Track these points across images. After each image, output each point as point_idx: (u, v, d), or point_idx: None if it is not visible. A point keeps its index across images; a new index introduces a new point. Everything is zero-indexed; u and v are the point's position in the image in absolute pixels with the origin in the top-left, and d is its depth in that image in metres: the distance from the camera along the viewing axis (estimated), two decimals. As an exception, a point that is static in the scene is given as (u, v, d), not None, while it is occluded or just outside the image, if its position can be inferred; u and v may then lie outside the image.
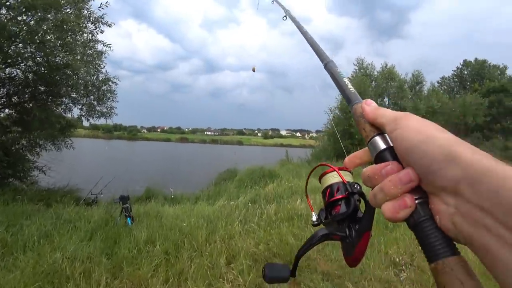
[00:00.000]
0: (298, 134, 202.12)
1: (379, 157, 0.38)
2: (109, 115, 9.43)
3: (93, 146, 55.11)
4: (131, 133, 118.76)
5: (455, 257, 0.31)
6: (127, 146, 64.98)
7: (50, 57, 7.31)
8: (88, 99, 9.22)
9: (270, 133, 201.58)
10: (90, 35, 8.47)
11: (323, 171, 0.58)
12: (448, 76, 35.10)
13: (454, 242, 0.32)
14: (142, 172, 18.71)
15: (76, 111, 9.68)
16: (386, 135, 0.38)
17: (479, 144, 23.47)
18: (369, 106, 0.42)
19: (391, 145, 0.37)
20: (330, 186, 0.55)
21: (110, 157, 32.80)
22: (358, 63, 22.24)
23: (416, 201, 0.33)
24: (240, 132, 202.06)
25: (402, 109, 20.53)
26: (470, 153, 0.29)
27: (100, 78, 8.96)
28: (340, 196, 0.53)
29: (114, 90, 9.39)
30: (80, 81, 8.14)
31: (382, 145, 0.38)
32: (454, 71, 34.80)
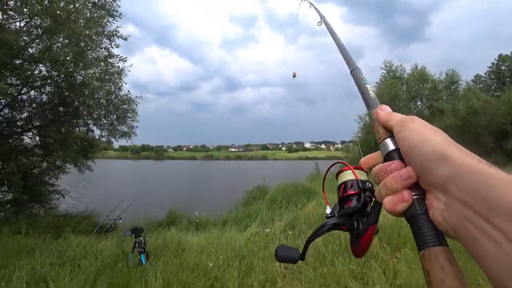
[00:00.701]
0: (323, 146, 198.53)
1: (387, 157, 0.42)
2: (129, 136, 8.92)
3: (121, 166, 56.52)
4: (158, 153, 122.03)
5: (441, 247, 0.33)
6: (153, 165, 66.03)
7: (70, 77, 6.97)
8: (109, 118, 8.79)
9: (294, 146, 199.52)
10: (106, 52, 8.06)
11: (341, 169, 0.60)
12: (484, 74, 32.42)
13: (445, 236, 0.34)
14: (166, 192, 18.03)
15: (97, 132, 9.29)
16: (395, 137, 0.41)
17: None
18: (383, 111, 0.46)
19: (398, 146, 0.40)
20: (345, 182, 0.57)
21: (137, 177, 32.89)
22: (386, 66, 20.72)
23: (414, 197, 0.36)
24: (264, 147, 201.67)
25: (439, 111, 18.79)
26: (457, 153, 0.32)
27: (120, 97, 8.49)
28: (353, 192, 0.55)
29: (135, 110, 8.91)
30: (100, 100, 7.71)
31: (391, 146, 0.41)
32: (490, 67, 32.15)
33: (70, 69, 6.44)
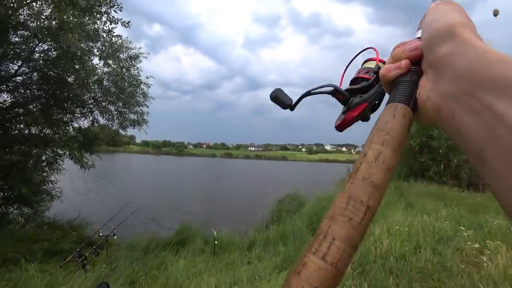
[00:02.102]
0: (344, 149, 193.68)
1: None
2: (140, 124, 7.51)
3: (141, 161, 56.48)
4: (178, 149, 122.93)
5: (405, 105, 0.33)
6: (173, 161, 65.63)
7: (61, 50, 5.52)
8: (117, 105, 7.40)
9: (314, 148, 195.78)
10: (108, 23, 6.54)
11: (369, 57, 0.61)
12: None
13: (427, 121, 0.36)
14: (182, 195, 16.52)
15: (103, 121, 7.91)
16: None
17: None
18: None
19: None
20: (363, 67, 0.59)
21: (154, 173, 31.77)
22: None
23: (411, 69, 0.36)
24: (284, 148, 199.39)
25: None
26: (467, 35, 0.30)
27: (125, 77, 7.04)
28: (365, 76, 0.56)
29: (145, 93, 7.47)
30: (102, 82, 6.28)
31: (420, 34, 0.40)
32: None
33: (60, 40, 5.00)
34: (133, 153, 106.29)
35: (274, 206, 8.64)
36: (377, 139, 0.33)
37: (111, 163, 42.43)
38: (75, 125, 7.81)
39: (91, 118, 7.81)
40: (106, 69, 6.98)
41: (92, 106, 7.51)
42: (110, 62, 6.95)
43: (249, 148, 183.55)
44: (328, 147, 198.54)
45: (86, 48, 5.42)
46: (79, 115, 7.63)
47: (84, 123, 7.91)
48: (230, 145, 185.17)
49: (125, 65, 7.37)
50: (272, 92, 0.57)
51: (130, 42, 7.82)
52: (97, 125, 7.96)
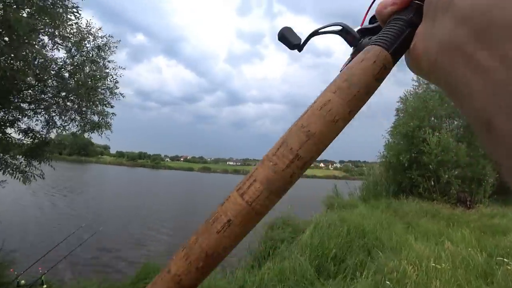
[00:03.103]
0: (322, 164, 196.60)
1: None
2: (100, 128, 6.16)
3: (114, 173, 53.22)
4: (155, 162, 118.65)
5: (384, 51, 0.30)
6: (148, 174, 62.60)
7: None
8: (74, 101, 6.03)
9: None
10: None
11: None
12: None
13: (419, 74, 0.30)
14: (154, 214, 14.41)
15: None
16: None
17: None
18: None
19: None
20: None
21: (126, 187, 29.31)
22: (417, 78, 18.29)
23: (411, 3, 0.31)
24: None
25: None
26: None
27: (89, 70, 5.74)
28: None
29: (112, 89, 6.16)
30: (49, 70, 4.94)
31: None
32: None
33: None
34: (107, 164, 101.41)
35: (264, 233, 7.04)
36: (332, 86, 0.30)
37: (76, 174, 39.20)
38: (23, 126, 6.34)
39: (43, 117, 6.39)
40: (62, 55, 5.65)
41: (46, 101, 6.11)
42: (70, 48, 5.65)
43: (227, 163, 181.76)
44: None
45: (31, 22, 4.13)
46: (29, 113, 6.19)
47: (37, 124, 6.47)
48: (208, 159, 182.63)
49: (89, 54, 6.09)
50: (280, 30, 0.52)
51: (99, 29, 6.59)
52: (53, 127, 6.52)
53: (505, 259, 4.50)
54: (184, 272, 0.29)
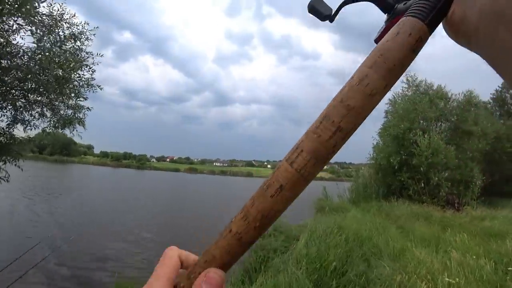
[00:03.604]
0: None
1: None
2: (71, 123, 5.54)
3: (97, 174, 51.43)
4: (140, 162, 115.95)
5: (418, 21, 0.30)
6: (133, 176, 60.77)
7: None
8: (42, 97, 5.39)
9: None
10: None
11: None
12: (487, 101, 31.48)
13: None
14: (134, 220, 13.05)
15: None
16: None
17: None
18: None
19: None
20: None
21: (107, 190, 27.86)
22: (407, 80, 18.17)
23: None
24: (249, 164, 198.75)
25: (467, 133, 16.25)
26: None
27: (59, 57, 5.13)
28: None
29: (88, 80, 5.56)
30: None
31: None
32: (493, 94, 31.45)
33: None
34: (90, 164, 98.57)
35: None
36: (368, 61, 0.31)
37: (57, 175, 37.53)
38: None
39: (9, 112, 5.70)
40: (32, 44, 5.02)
41: (11, 94, 5.44)
42: (40, 35, 5.02)
43: (214, 163, 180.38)
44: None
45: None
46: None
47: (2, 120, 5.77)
48: (195, 160, 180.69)
49: (63, 43, 5.46)
50: (309, 2, 0.50)
51: (73, 16, 5.98)
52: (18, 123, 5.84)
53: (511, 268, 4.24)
54: (243, 230, 0.34)
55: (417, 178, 14.46)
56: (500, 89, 32.37)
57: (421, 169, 14.13)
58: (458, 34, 0.28)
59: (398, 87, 19.31)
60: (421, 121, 16.11)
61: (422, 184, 14.25)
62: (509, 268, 4.10)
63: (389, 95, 19.42)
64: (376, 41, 0.46)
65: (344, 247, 4.38)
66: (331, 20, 0.51)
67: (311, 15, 0.50)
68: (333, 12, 0.50)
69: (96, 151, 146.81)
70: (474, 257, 4.72)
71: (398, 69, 0.30)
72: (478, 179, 15.06)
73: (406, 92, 18.12)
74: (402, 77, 14.86)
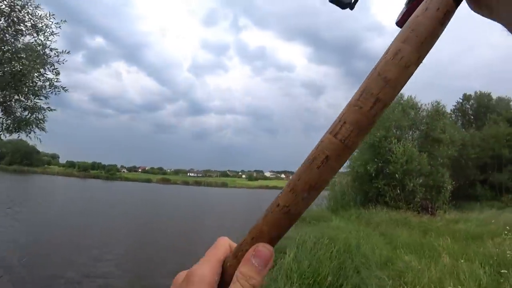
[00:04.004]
0: (283, 175, 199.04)
1: None
2: (29, 125, 4.86)
3: (59, 186, 48.05)
4: (109, 173, 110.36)
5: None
6: (100, 187, 57.40)
7: None
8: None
9: (254, 174, 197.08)
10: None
11: None
12: (450, 111, 33.58)
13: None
14: (99, 239, 11.10)
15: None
16: None
17: None
18: None
19: None
20: None
21: (67, 206, 25.22)
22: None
23: None
24: (224, 174, 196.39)
25: (436, 141, 16.94)
26: None
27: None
28: None
29: (54, 80, 4.93)
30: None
31: None
32: (455, 105, 33.55)
33: None
34: (54, 175, 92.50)
35: None
36: (401, 36, 0.33)
37: (15, 186, 34.53)
38: None
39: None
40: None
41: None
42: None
43: (188, 174, 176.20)
44: (267, 174, 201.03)
45: None
46: None
47: None
48: (168, 170, 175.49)
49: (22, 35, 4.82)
50: None
51: (37, 6, 5.35)
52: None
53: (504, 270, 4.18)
54: (292, 203, 0.35)
55: (393, 184, 14.74)
56: (461, 100, 34.82)
57: (397, 176, 14.44)
58: (480, 4, 0.29)
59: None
60: (395, 130, 16.60)
61: (398, 191, 14.54)
62: (502, 271, 4.01)
63: (333, 115, 19.97)
64: (398, 23, 0.46)
65: (337, 259, 4.09)
66: (352, 8, 0.51)
67: (332, 4, 0.50)
68: (353, 0, 0.51)
69: (62, 160, 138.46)
70: (462, 261, 4.62)
71: (429, 41, 0.32)
72: (449, 184, 15.68)
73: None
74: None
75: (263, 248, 0.34)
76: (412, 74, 0.33)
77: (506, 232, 7.68)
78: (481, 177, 22.53)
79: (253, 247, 0.35)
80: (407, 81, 0.34)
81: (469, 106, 33.04)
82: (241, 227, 9.63)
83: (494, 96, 30.26)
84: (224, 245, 0.38)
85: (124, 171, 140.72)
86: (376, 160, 15.46)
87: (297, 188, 0.35)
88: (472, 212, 14.05)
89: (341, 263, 4.10)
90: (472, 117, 31.97)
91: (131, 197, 38.09)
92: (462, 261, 4.37)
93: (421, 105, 18.74)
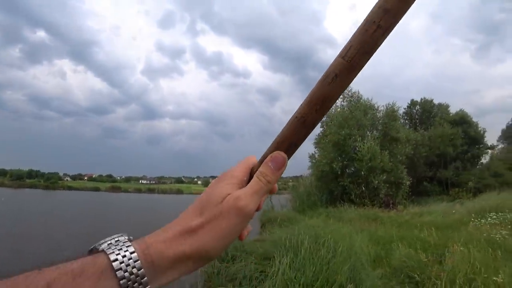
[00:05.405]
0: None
1: None
2: None
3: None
4: (49, 181, 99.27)
5: None
6: (37, 198, 50.85)
7: None
8: None
9: (210, 180, 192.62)
10: None
11: None
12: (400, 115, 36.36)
13: None
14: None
15: None
16: None
17: (458, 175, 23.01)
18: None
19: None
20: None
21: None
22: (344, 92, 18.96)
23: None
24: (179, 180, 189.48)
25: (394, 139, 17.66)
26: None
27: None
28: None
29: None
30: None
31: None
32: (405, 109, 36.33)
33: None
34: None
35: (214, 272, 4.51)
36: None
37: None
38: None
39: None
40: None
41: None
42: None
43: (140, 181, 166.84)
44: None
45: None
46: None
47: None
48: (118, 178, 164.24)
49: None
50: None
51: None
52: None
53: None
54: (307, 114, 0.43)
55: (358, 182, 14.87)
56: (409, 105, 37.83)
57: (362, 173, 14.57)
58: None
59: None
60: (357, 129, 16.91)
61: (363, 188, 14.67)
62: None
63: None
64: None
65: (340, 263, 3.44)
66: None
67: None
68: None
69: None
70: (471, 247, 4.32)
71: None
72: (407, 180, 16.33)
73: (342, 103, 19.01)
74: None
75: (278, 155, 0.45)
76: (412, 3, 0.38)
77: (472, 219, 7.89)
78: (430, 174, 24.15)
79: (271, 154, 0.45)
80: (407, 10, 0.38)
81: (415, 111, 36.15)
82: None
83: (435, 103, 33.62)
84: (251, 158, 0.49)
85: (67, 179, 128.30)
86: (341, 158, 15.51)
87: (312, 102, 0.43)
88: (428, 205, 14.77)
89: (353, 264, 3.48)
90: (417, 120, 34.86)
91: (76, 206, 34.15)
92: (471, 247, 4.06)
93: (378, 106, 19.50)
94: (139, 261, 0.34)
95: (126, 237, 0.39)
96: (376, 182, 14.36)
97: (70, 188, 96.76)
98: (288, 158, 0.46)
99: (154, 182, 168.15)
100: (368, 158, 14.54)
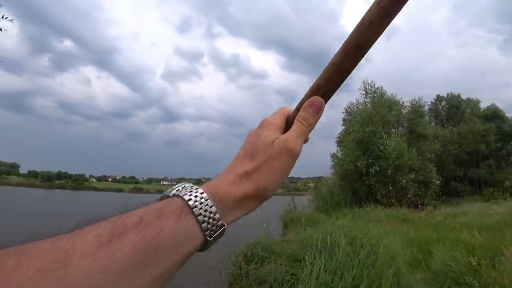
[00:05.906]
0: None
1: None
2: None
3: (16, 198, 43.60)
4: (76, 182, 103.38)
5: None
6: (65, 199, 52.95)
7: None
8: None
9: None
10: None
11: None
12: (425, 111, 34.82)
13: None
14: None
15: None
16: None
17: (492, 174, 21.60)
18: None
19: None
20: None
21: (27, 217, 23.00)
22: (365, 87, 18.24)
23: None
24: (199, 181, 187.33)
25: (421, 136, 16.81)
26: None
27: None
28: None
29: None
30: None
31: None
32: (429, 105, 34.73)
33: None
34: (14, 186, 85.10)
35: (236, 267, 4.49)
36: None
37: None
38: None
39: None
40: None
41: None
42: None
43: (162, 182, 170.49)
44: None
45: None
46: None
47: None
48: (140, 179, 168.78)
49: None
50: None
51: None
52: None
53: None
54: (342, 59, 0.44)
55: (385, 181, 14.22)
56: (435, 101, 36.11)
57: (388, 171, 13.93)
58: None
59: (355, 95, 19.62)
60: (381, 126, 16.22)
61: (390, 187, 14.02)
62: None
63: (344, 104, 19.61)
64: None
65: (390, 266, 3.12)
66: None
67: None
68: None
69: (23, 170, 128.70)
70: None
71: None
72: (436, 179, 15.45)
73: (365, 99, 18.32)
74: (360, 85, 14.52)
75: (316, 99, 0.46)
76: None
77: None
78: (460, 173, 22.88)
79: (309, 99, 0.46)
80: None
81: (441, 107, 34.43)
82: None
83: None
84: (285, 108, 0.52)
85: (93, 181, 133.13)
86: (365, 156, 14.92)
87: (348, 48, 0.43)
88: (460, 206, 13.87)
89: (396, 268, 3.16)
90: (444, 117, 33.18)
91: (100, 207, 35.20)
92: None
93: (403, 102, 18.65)
94: (209, 200, 0.37)
95: (191, 184, 0.42)
96: (404, 181, 13.65)
97: (95, 189, 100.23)
98: (325, 103, 0.47)
99: (175, 183, 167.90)
100: (395, 156, 13.85)
